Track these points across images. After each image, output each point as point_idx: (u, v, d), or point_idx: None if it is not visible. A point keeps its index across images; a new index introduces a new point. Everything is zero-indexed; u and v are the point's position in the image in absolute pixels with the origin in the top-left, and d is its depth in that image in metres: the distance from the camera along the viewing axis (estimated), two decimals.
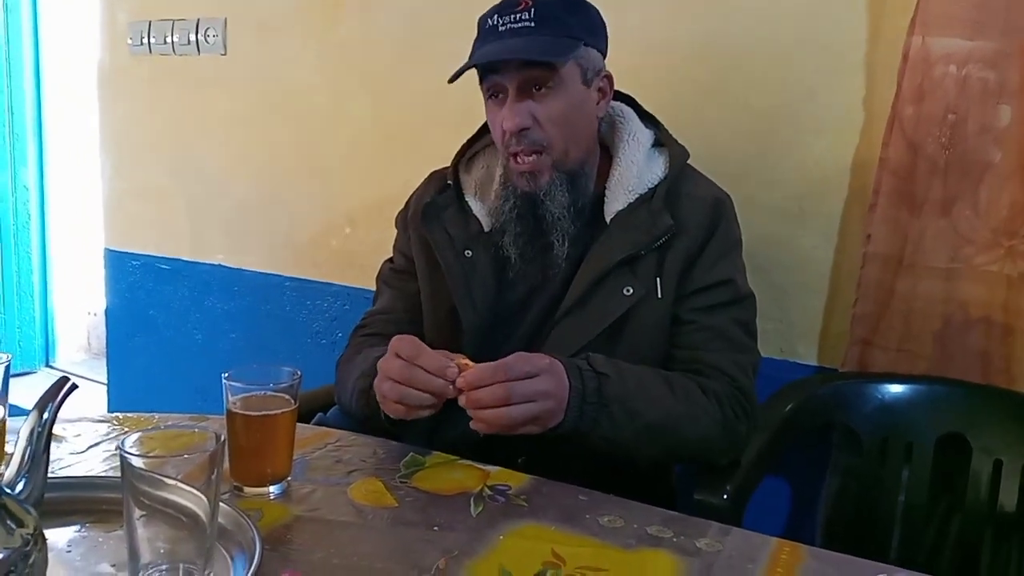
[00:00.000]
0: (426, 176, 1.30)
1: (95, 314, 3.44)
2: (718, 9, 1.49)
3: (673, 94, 1.49)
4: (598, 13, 1.15)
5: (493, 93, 1.12)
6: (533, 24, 1.07)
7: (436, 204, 1.20)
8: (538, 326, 1.15)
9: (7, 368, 0.86)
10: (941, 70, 1.29)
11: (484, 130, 1.24)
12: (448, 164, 1.25)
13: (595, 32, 1.14)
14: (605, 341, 1.09)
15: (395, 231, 1.31)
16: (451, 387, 0.92)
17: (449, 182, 1.22)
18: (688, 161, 1.19)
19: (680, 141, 1.21)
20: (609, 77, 1.16)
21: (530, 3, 1.08)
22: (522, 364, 0.92)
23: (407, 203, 1.29)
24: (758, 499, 1.17)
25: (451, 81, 1.11)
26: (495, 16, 1.10)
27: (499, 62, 1.08)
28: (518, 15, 1.08)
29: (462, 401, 0.91)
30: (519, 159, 1.11)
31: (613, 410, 0.97)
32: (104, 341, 2.57)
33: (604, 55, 1.16)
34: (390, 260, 1.31)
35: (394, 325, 1.21)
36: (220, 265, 2.19)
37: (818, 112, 1.42)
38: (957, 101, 1.29)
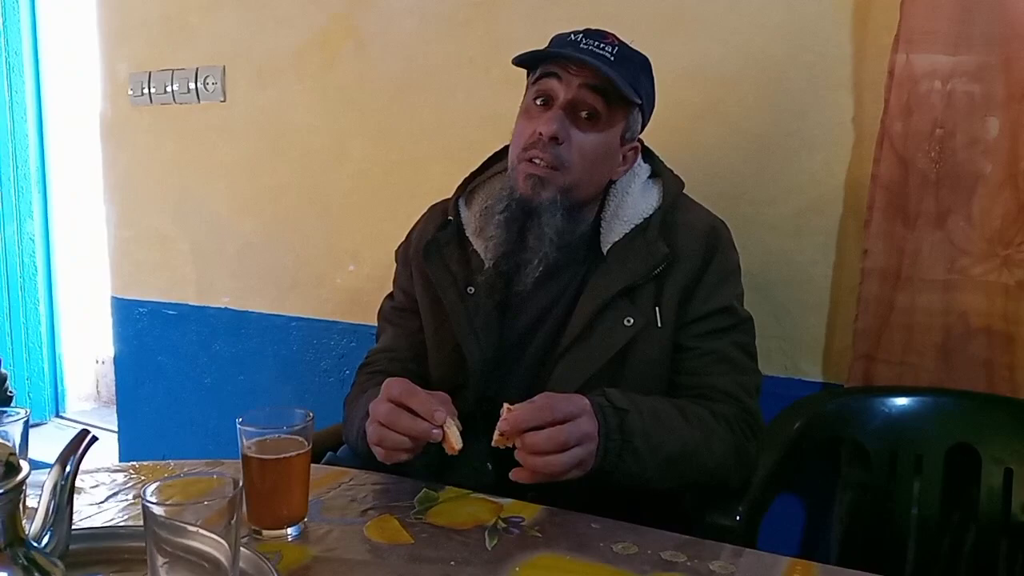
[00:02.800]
0: (427, 209, 1.31)
1: (103, 362, 3.46)
2: (705, 33, 1.53)
3: (665, 118, 1.51)
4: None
5: (542, 98, 1.11)
6: (613, 59, 1.09)
7: (437, 241, 1.20)
8: (541, 360, 1.14)
9: (26, 423, 0.88)
10: (926, 86, 1.32)
11: (486, 164, 1.25)
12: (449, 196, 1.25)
13: (650, 103, 1.18)
14: (608, 373, 1.09)
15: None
16: (435, 431, 0.91)
17: (450, 217, 1.22)
18: (684, 190, 1.21)
19: (674, 164, 1.23)
20: (636, 149, 1.19)
21: (616, 41, 1.11)
22: (566, 405, 0.92)
23: (408, 236, 1.30)
24: (771, 519, 1.18)
25: (516, 62, 1.12)
26: (580, 35, 1.11)
27: (562, 71, 1.09)
28: (603, 45, 1.10)
29: (509, 443, 0.90)
30: (535, 160, 1.09)
31: (636, 445, 0.97)
32: (113, 389, 2.58)
33: (643, 129, 1.20)
34: (390, 296, 1.32)
35: (399, 363, 1.22)
36: (226, 308, 2.21)
37: (809, 131, 1.45)
38: (944, 115, 1.32)
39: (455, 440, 0.92)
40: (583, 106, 1.09)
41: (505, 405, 0.91)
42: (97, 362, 3.51)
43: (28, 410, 0.89)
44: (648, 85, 1.16)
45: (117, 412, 2.52)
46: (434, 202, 1.31)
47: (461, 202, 1.23)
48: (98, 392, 3.57)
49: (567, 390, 1.06)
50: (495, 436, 0.90)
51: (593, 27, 1.14)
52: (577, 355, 1.10)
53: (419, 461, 1.02)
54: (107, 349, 2.72)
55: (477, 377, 1.13)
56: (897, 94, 1.34)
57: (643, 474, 0.98)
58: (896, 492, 1.32)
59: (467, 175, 1.26)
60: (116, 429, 2.53)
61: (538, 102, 1.12)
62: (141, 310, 2.38)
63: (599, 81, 1.08)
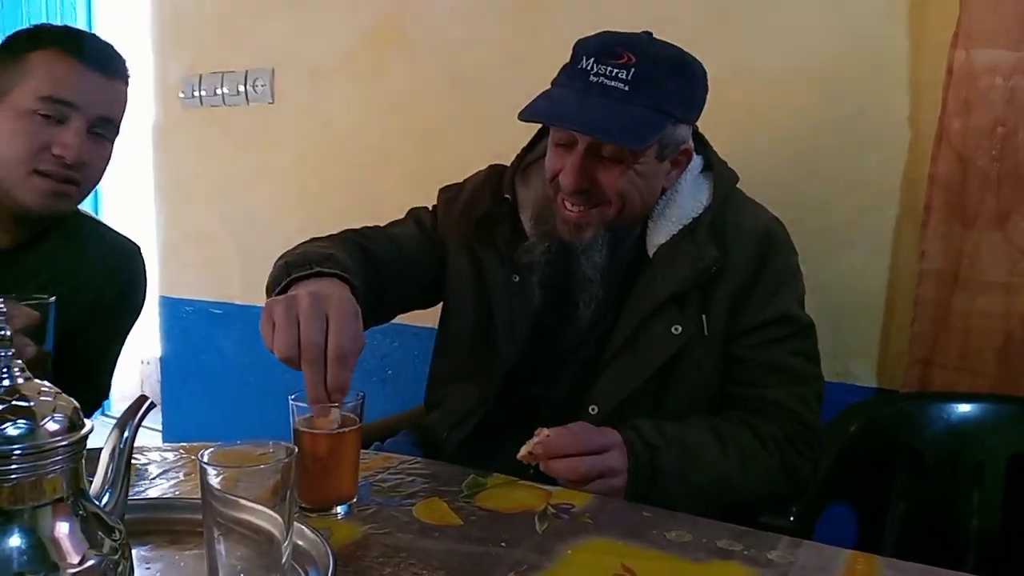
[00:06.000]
0: (486, 167, 1.27)
1: (148, 363, 3.51)
2: (759, 33, 1.51)
3: (719, 120, 1.49)
4: (702, 77, 1.07)
5: (561, 141, 1.06)
6: (627, 88, 0.99)
7: (492, 217, 1.17)
8: (585, 370, 1.12)
9: (53, 308, 0.95)
10: (987, 82, 1.29)
11: (539, 136, 1.21)
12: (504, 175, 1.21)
13: (689, 103, 1.06)
14: (655, 384, 1.07)
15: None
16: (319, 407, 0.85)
17: (507, 196, 1.18)
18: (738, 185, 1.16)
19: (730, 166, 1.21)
20: (688, 151, 1.10)
21: (633, 59, 0.99)
22: (599, 438, 0.94)
23: (462, 186, 1.26)
24: (819, 528, 1.14)
25: (522, 119, 1.03)
26: (592, 60, 1.01)
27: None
28: (615, 70, 0.99)
29: (534, 462, 0.92)
30: (568, 206, 1.06)
31: (665, 482, 0.96)
32: (157, 389, 2.62)
33: (696, 119, 1.11)
34: (433, 214, 1.27)
35: (387, 257, 1.19)
36: None
37: (864, 130, 1.43)
38: (1006, 113, 1.29)
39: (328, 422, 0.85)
40: (603, 148, 1.03)
41: (542, 430, 0.93)
42: (142, 363, 3.57)
43: (55, 297, 0.95)
44: (680, 85, 1.03)
45: (162, 409, 2.55)
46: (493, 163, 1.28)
47: (517, 179, 1.20)
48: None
49: (612, 402, 1.07)
50: (523, 451, 0.92)
51: (614, 31, 1.05)
52: (623, 365, 1.07)
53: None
54: (152, 350, 2.76)
55: (506, 363, 1.13)
56: (956, 91, 1.31)
57: (673, 506, 0.95)
58: (955, 502, 1.28)
59: (522, 149, 1.22)
60: (160, 428, 2.57)
61: (557, 145, 1.07)
62: (188, 309, 2.41)
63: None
